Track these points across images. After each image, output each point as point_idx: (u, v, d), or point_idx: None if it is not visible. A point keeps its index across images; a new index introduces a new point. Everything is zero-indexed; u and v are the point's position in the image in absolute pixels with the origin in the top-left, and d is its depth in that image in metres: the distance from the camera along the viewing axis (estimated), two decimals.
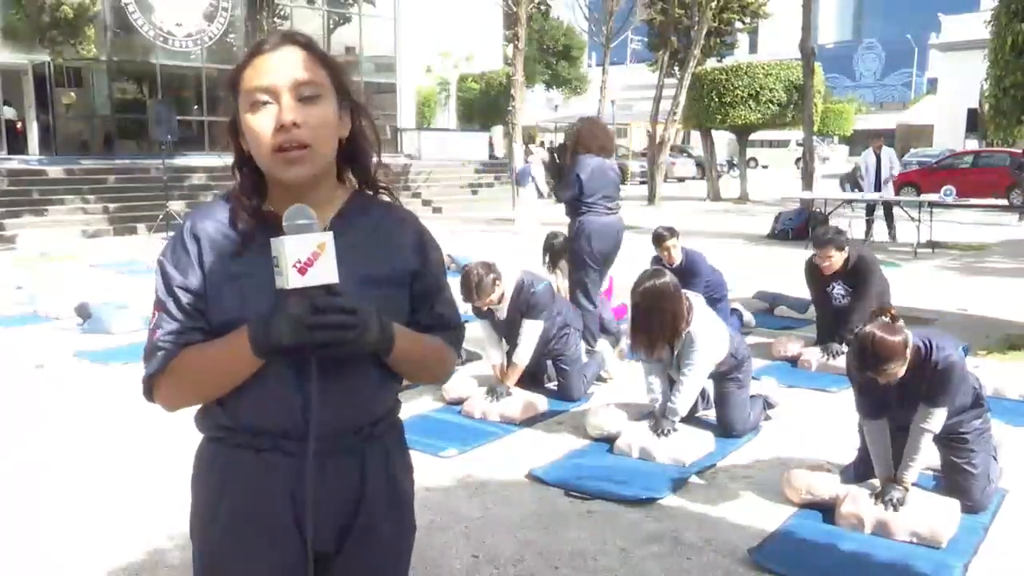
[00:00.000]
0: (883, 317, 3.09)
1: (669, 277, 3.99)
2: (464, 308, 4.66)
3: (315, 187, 1.36)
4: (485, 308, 4.68)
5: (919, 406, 3.18)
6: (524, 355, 4.68)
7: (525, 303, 4.64)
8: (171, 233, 1.41)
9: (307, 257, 1.22)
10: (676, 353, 4.06)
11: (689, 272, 5.72)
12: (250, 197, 1.36)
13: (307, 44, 1.34)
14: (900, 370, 3.07)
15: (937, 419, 3.17)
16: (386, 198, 1.47)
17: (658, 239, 6.01)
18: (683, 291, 4.05)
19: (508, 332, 4.77)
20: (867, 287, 5.33)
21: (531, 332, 4.67)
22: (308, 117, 1.30)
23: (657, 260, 5.94)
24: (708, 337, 4.03)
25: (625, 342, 5.17)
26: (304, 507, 1.34)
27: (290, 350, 1.26)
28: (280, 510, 1.36)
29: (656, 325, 3.89)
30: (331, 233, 1.25)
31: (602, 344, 5.51)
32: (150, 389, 1.38)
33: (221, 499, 1.39)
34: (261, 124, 1.29)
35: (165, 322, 1.34)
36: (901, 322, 3.11)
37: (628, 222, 6.09)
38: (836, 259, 5.34)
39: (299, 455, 1.33)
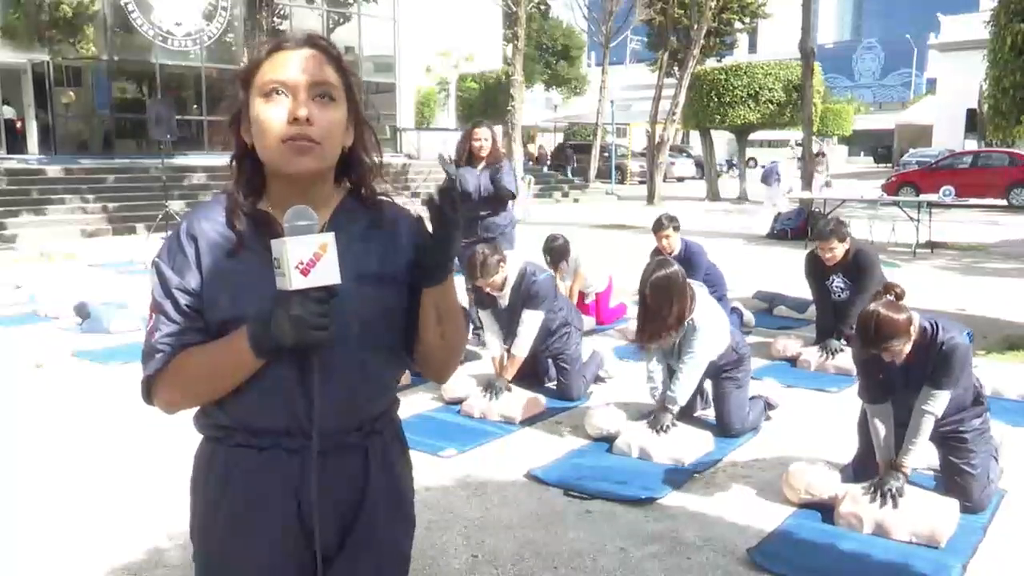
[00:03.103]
0: (888, 296, 3.11)
1: (676, 267, 3.99)
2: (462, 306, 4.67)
3: (314, 187, 1.36)
4: (487, 292, 4.68)
5: (923, 389, 3.19)
6: (523, 346, 4.68)
7: (527, 292, 4.64)
8: (170, 232, 1.41)
9: (309, 258, 1.22)
10: (677, 341, 4.06)
11: (688, 264, 5.70)
12: (247, 193, 1.36)
13: (328, 49, 1.36)
14: (904, 348, 3.08)
15: (939, 402, 3.17)
16: (382, 197, 1.47)
17: (656, 226, 6.01)
18: (687, 280, 4.06)
19: (509, 323, 4.76)
20: (867, 280, 5.34)
21: (531, 323, 4.66)
22: (320, 117, 1.31)
23: (657, 252, 5.94)
24: (710, 326, 4.03)
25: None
26: (307, 505, 1.35)
27: (291, 349, 1.26)
28: (283, 509, 1.36)
29: (664, 315, 3.89)
30: (332, 234, 1.25)
31: (601, 344, 5.51)
32: (149, 391, 1.38)
33: (222, 499, 1.39)
34: (273, 114, 1.30)
35: (163, 324, 1.34)
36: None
37: (628, 221, 6.16)
38: (838, 250, 5.36)
39: (301, 453, 1.34)
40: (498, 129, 28.95)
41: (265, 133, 1.31)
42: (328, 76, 1.33)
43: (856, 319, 3.24)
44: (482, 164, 5.90)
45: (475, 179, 5.88)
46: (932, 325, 3.16)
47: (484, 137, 5.90)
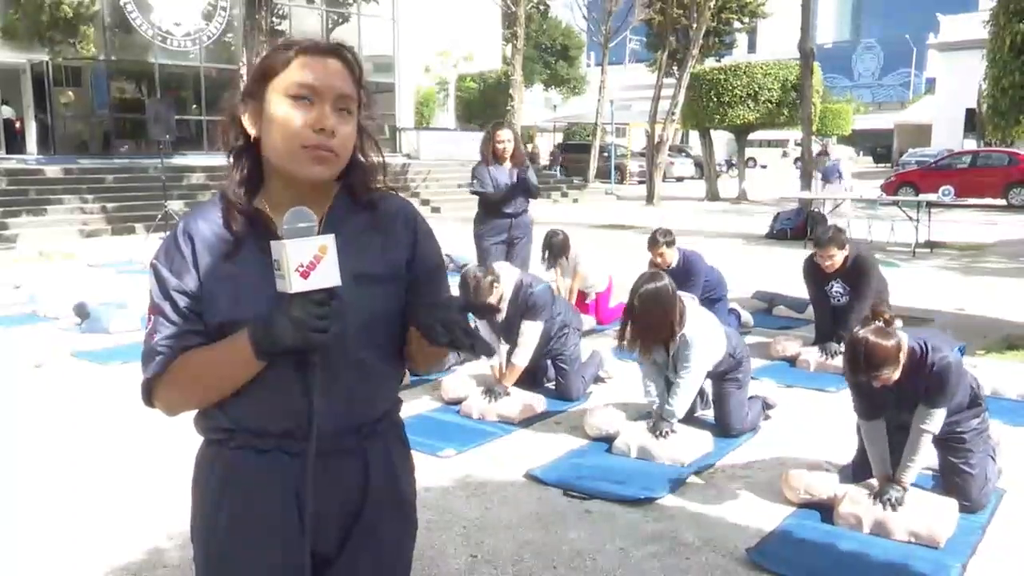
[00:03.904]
0: (877, 321, 3.09)
1: (667, 280, 3.99)
2: None
3: (314, 188, 1.36)
4: None
5: (918, 407, 3.19)
6: (523, 357, 4.68)
7: (524, 304, 4.64)
8: (167, 234, 1.41)
9: (309, 261, 1.22)
10: (672, 355, 4.07)
11: (686, 273, 5.71)
12: (245, 189, 1.36)
13: (353, 62, 1.37)
14: (893, 375, 3.07)
15: (936, 420, 3.18)
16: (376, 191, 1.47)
17: (651, 243, 6.00)
18: (678, 293, 4.06)
19: (507, 333, 4.77)
20: (866, 286, 5.34)
21: (531, 334, 4.66)
22: (341, 129, 1.32)
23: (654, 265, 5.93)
24: (703, 340, 4.03)
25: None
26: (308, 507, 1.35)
27: (291, 351, 1.27)
28: (284, 511, 1.36)
29: (650, 327, 3.90)
30: (332, 236, 1.25)
31: (600, 344, 5.51)
32: (149, 393, 1.37)
33: (223, 500, 1.39)
34: (298, 118, 1.30)
35: (162, 326, 1.34)
36: (898, 322, 3.11)
37: (627, 221, 6.20)
38: (837, 258, 5.36)
39: (302, 455, 1.33)
40: None
41: (286, 136, 1.30)
42: (351, 90, 1.34)
43: (849, 334, 3.23)
44: (507, 164, 6.00)
45: (507, 178, 5.98)
46: (921, 346, 3.13)
47: (507, 138, 6.02)
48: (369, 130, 1.42)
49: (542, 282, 4.86)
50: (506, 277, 4.68)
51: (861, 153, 48.84)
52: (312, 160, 1.31)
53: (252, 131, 1.35)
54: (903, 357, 3.07)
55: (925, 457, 3.28)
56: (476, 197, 6.22)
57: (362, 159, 1.42)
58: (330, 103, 1.31)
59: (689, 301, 4.15)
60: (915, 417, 3.20)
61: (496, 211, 6.08)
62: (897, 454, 3.28)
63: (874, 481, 3.32)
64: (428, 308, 1.31)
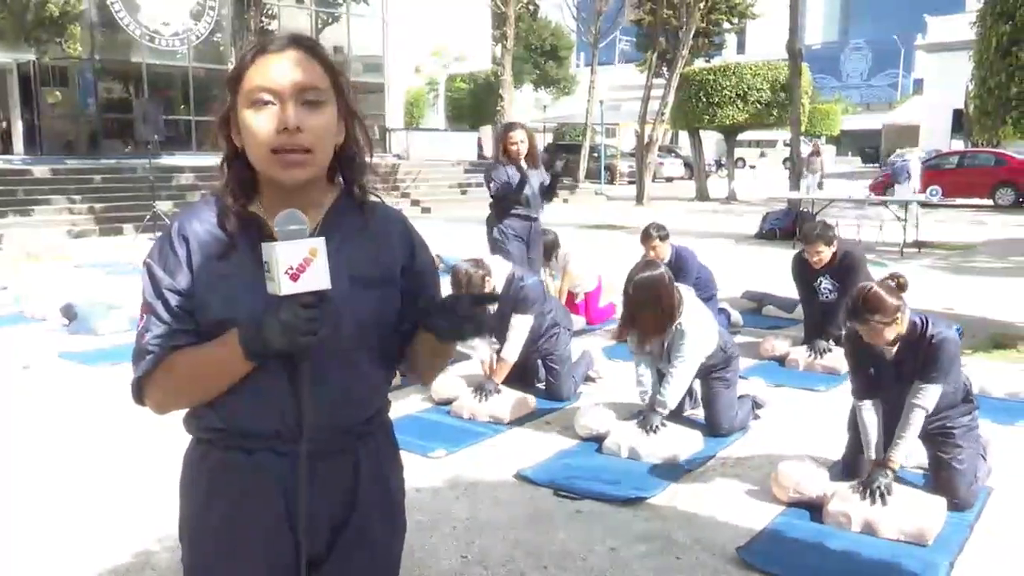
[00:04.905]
0: (891, 281, 3.21)
1: (663, 269, 4.01)
2: None
3: (307, 189, 1.35)
4: None
5: (914, 383, 3.23)
6: (513, 351, 4.68)
7: (515, 297, 4.64)
8: (158, 233, 1.41)
9: (299, 263, 1.22)
10: (666, 345, 4.08)
11: (678, 269, 5.72)
12: (238, 195, 1.35)
13: (312, 48, 1.34)
14: (886, 331, 3.13)
15: (930, 396, 3.20)
16: (374, 198, 1.47)
17: (644, 237, 6.02)
18: (675, 283, 4.07)
19: (497, 328, 4.76)
20: (854, 283, 5.36)
21: (520, 327, 4.66)
22: (310, 122, 1.30)
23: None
24: (698, 330, 4.05)
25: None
26: (297, 508, 1.34)
27: (281, 353, 1.26)
28: (273, 511, 1.36)
29: (648, 316, 3.90)
30: (323, 239, 1.25)
31: (590, 344, 5.51)
32: (139, 392, 1.37)
33: (212, 501, 1.38)
34: (261, 124, 1.28)
35: (154, 324, 1.33)
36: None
37: (617, 221, 6.18)
38: (825, 254, 5.39)
39: (291, 456, 1.33)
40: (486, 130, 29.14)
41: (255, 144, 1.29)
42: (315, 78, 1.31)
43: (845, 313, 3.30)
44: (523, 165, 5.91)
45: (536, 180, 5.93)
46: (922, 320, 3.23)
47: (520, 139, 5.88)
48: (358, 112, 1.40)
49: (533, 276, 4.86)
50: (497, 271, 4.68)
51: (850, 154, 49.11)
52: (282, 164, 1.29)
53: (237, 142, 1.34)
54: (902, 320, 3.14)
55: (916, 434, 3.29)
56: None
57: (355, 152, 1.41)
58: (292, 98, 1.29)
59: (686, 292, 4.16)
60: (909, 392, 3.23)
61: (517, 214, 5.97)
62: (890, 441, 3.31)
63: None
64: (441, 308, 1.35)
